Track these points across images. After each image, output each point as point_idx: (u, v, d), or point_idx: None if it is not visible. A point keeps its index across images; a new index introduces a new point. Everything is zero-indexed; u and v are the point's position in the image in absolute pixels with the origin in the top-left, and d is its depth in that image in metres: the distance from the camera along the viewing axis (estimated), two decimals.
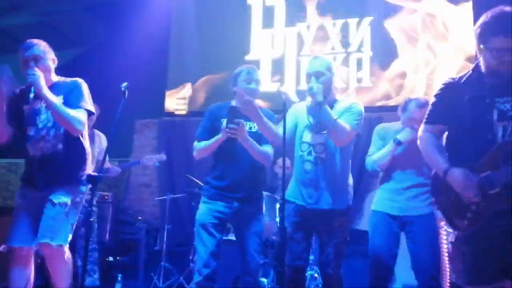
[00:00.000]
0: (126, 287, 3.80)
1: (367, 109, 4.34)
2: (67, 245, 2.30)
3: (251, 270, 2.32)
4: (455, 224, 1.72)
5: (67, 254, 2.30)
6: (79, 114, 2.28)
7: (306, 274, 3.22)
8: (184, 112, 5.13)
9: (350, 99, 2.56)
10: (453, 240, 1.77)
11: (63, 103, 2.30)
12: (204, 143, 2.36)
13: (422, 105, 2.53)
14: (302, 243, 2.32)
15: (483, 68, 1.73)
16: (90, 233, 2.18)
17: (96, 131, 3.63)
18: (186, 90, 5.20)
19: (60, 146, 2.33)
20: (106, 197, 3.92)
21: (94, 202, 3.47)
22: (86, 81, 2.64)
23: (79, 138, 2.42)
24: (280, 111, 2.25)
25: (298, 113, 2.44)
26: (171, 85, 5.28)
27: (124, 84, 2.24)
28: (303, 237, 2.32)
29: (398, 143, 2.53)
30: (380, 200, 2.67)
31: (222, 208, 2.34)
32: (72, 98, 2.32)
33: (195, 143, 2.43)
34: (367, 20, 4.75)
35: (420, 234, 2.46)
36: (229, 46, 5.08)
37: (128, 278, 3.98)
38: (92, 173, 2.08)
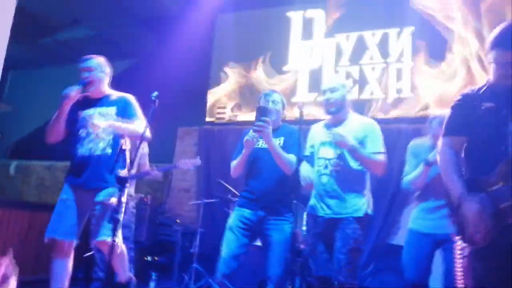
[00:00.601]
0: (160, 285, 3.98)
1: (405, 120, 4.36)
2: (121, 239, 2.55)
3: (272, 278, 2.41)
4: (470, 238, 1.69)
5: (122, 247, 2.57)
6: (141, 124, 2.57)
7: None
8: (223, 121, 5.30)
9: (363, 118, 2.64)
10: (466, 255, 1.74)
11: (116, 113, 2.63)
12: (235, 161, 2.54)
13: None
14: (324, 253, 2.42)
15: (492, 81, 1.71)
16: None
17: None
18: (227, 100, 5.38)
19: (108, 150, 2.60)
20: (145, 200, 4.15)
21: (132, 204, 3.70)
22: (139, 90, 2.94)
23: (123, 143, 2.67)
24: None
25: (314, 132, 2.63)
26: (212, 94, 5.50)
27: (155, 93, 2.42)
28: (325, 248, 2.42)
29: (428, 163, 2.54)
30: (414, 218, 2.75)
31: (248, 215, 2.49)
32: (131, 111, 2.66)
33: (231, 163, 2.61)
34: (408, 30, 4.68)
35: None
36: (268, 58, 5.21)
37: (163, 278, 4.18)
38: (121, 175, 2.27)
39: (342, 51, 4.92)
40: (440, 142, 1.86)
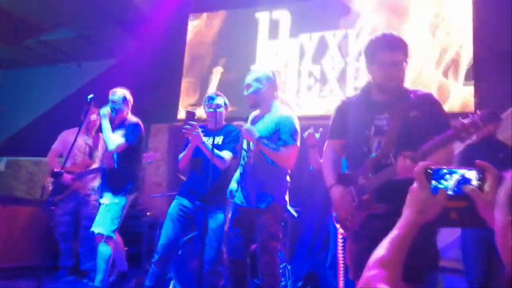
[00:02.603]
0: (128, 273, 4.26)
1: None
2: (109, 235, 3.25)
3: (209, 261, 2.67)
4: (341, 225, 1.94)
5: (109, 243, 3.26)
6: (116, 139, 3.26)
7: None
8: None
9: (281, 110, 2.69)
10: (345, 239, 1.99)
11: (124, 134, 3.32)
12: (181, 154, 2.82)
13: None
14: (238, 237, 2.59)
15: (372, 85, 1.93)
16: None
17: (100, 134, 4.13)
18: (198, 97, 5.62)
19: (115, 164, 3.34)
20: None
21: (94, 197, 3.96)
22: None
23: (130, 158, 3.38)
24: None
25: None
26: (184, 92, 5.73)
27: (90, 95, 2.68)
28: (239, 233, 2.60)
29: None
30: None
31: (187, 204, 2.77)
32: (127, 132, 3.35)
33: (179, 156, 2.90)
34: (367, 30, 4.87)
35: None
36: (238, 57, 5.43)
37: (132, 267, 4.45)
38: (55, 170, 2.54)
39: (305, 51, 5.13)
40: (326, 143, 2.10)
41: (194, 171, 2.86)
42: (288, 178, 2.69)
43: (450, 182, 0.93)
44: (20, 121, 7.61)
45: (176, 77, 5.74)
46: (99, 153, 4.00)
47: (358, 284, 0.86)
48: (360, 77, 4.80)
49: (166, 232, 2.77)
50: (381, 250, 0.91)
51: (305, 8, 5.23)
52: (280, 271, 2.59)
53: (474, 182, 0.91)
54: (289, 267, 3.55)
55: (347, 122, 1.97)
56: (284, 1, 5.37)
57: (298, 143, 2.58)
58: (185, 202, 2.82)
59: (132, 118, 3.50)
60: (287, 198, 2.66)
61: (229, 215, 3.24)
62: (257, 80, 2.64)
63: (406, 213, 0.96)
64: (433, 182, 0.94)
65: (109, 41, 6.57)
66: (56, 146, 4.10)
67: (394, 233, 0.94)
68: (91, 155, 3.94)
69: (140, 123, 3.49)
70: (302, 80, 5.08)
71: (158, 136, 5.65)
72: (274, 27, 5.36)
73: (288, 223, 3.92)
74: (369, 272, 0.87)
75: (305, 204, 4.23)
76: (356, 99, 1.98)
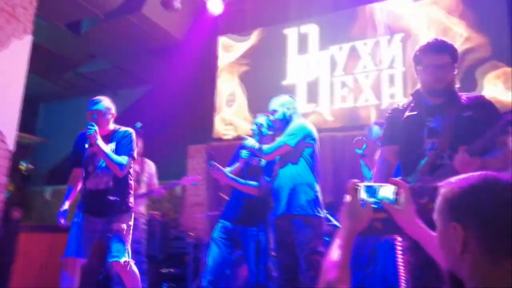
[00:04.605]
0: None
1: None
2: (130, 259, 2.79)
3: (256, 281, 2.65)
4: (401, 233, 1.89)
5: (132, 267, 2.81)
6: (122, 160, 2.77)
7: None
8: (230, 137, 5.60)
9: (299, 121, 2.77)
10: (404, 251, 1.93)
11: (115, 148, 2.83)
12: (230, 168, 2.94)
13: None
14: (288, 256, 2.54)
15: (421, 89, 1.91)
16: None
17: (145, 159, 4.23)
18: (233, 115, 5.69)
19: (111, 183, 2.83)
20: (155, 216, 4.49)
21: (142, 221, 4.03)
22: (155, 113, 3.27)
23: (127, 176, 2.92)
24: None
25: None
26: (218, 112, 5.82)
27: (139, 124, 2.76)
28: (287, 251, 2.54)
29: None
30: None
31: (229, 226, 2.82)
32: (122, 146, 2.84)
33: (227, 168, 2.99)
34: (398, 36, 4.83)
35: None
36: (268, 74, 5.48)
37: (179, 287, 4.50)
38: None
39: (337, 62, 5.12)
40: (378, 151, 2.08)
41: (235, 194, 2.92)
42: (317, 188, 2.61)
43: (374, 195, 1.11)
44: (62, 151, 7.92)
45: (210, 97, 5.84)
46: (145, 178, 4.09)
47: (320, 285, 0.99)
48: (395, 84, 4.75)
49: (212, 256, 2.80)
50: (335, 255, 1.03)
51: (333, 20, 5.25)
52: None
53: (391, 196, 1.10)
54: None
55: (399, 127, 1.95)
56: (312, 15, 5.40)
57: (291, 143, 2.58)
58: (227, 224, 2.86)
59: (120, 127, 2.95)
60: (322, 212, 2.59)
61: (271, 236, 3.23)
62: (283, 105, 2.73)
63: (345, 223, 1.10)
64: (362, 196, 1.11)
65: (143, 68, 6.79)
66: None
67: (339, 241, 1.07)
68: (138, 180, 4.02)
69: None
70: (336, 91, 5.06)
71: (196, 157, 5.74)
72: (303, 41, 5.40)
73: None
74: (328, 274, 0.99)
75: None
76: (407, 105, 1.96)
